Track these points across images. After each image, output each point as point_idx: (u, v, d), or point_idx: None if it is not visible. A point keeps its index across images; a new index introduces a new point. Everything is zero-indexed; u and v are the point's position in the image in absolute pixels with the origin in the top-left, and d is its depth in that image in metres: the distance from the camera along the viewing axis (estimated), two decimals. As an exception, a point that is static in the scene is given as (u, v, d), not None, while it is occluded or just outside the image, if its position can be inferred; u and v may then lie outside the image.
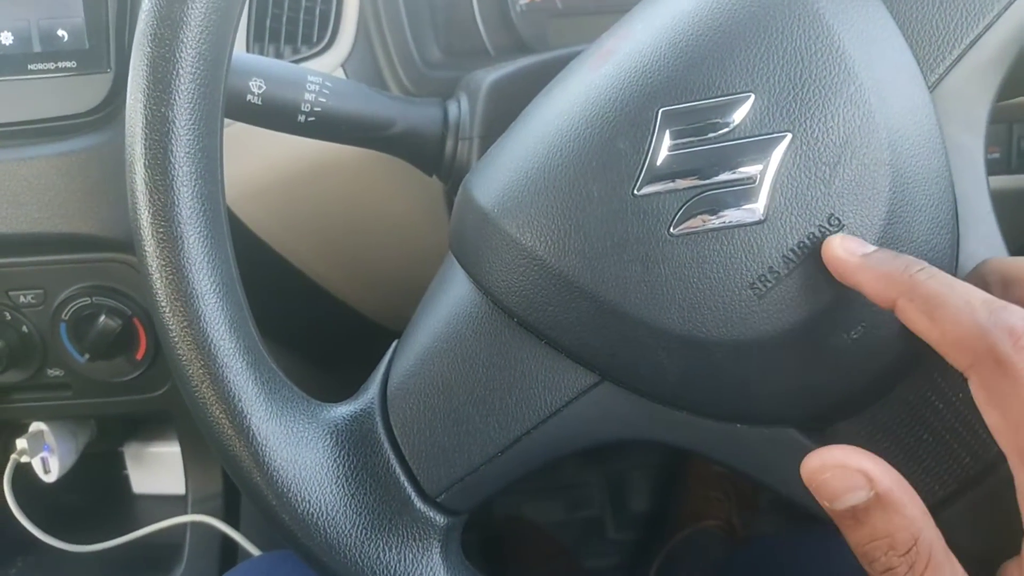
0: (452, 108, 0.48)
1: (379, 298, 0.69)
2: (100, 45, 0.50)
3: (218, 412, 0.31)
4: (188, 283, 0.30)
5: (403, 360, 0.35)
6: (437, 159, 0.48)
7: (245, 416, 0.31)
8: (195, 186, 0.30)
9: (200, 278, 0.30)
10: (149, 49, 0.30)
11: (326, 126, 0.44)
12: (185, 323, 0.30)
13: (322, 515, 0.31)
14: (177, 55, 0.30)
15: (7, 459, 0.69)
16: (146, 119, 0.30)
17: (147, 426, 0.79)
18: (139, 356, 0.59)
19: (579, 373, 0.32)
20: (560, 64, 0.39)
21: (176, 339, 0.30)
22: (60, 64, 0.50)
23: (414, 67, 0.57)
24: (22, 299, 0.58)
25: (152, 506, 0.78)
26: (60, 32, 0.50)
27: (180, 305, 0.30)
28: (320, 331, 0.75)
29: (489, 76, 0.47)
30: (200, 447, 0.70)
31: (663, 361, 0.31)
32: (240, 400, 0.31)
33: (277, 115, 0.42)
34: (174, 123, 0.30)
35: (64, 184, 0.52)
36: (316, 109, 0.43)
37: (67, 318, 0.58)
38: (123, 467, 0.80)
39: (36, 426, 0.68)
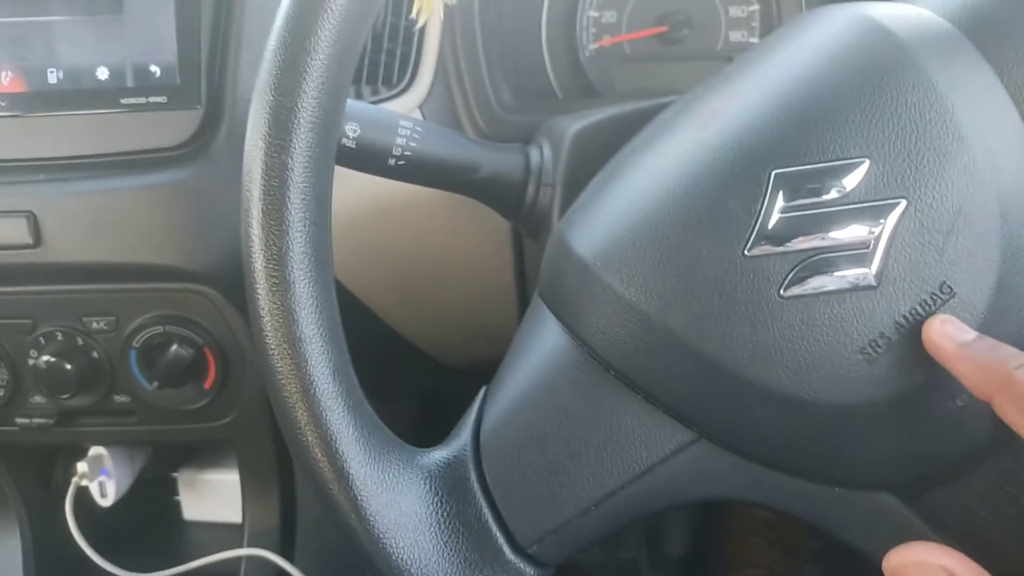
0: (534, 154, 0.48)
1: (439, 334, 0.70)
2: (192, 82, 0.52)
3: (319, 455, 0.31)
4: (297, 327, 0.31)
5: (496, 407, 0.35)
6: (518, 204, 0.48)
7: (345, 460, 0.31)
8: (308, 232, 0.31)
9: (308, 322, 0.31)
10: (271, 97, 0.31)
11: (415, 169, 0.45)
12: (292, 367, 0.31)
13: (415, 562, 0.31)
14: (299, 104, 0.30)
15: (66, 481, 0.69)
16: (265, 165, 0.31)
17: (202, 453, 0.79)
18: (207, 385, 0.60)
19: (676, 429, 0.32)
20: (644, 116, 0.39)
21: (283, 382, 0.31)
22: (151, 99, 0.52)
23: (491, 111, 0.58)
24: (94, 325, 0.58)
25: (204, 534, 0.78)
26: (153, 68, 0.52)
27: (288, 348, 0.31)
28: (378, 363, 0.75)
29: (573, 125, 0.47)
30: (261, 479, 0.70)
31: (765, 422, 0.31)
32: (340, 443, 0.31)
33: (369, 158, 0.43)
34: (292, 170, 0.30)
35: (147, 216, 0.53)
36: (407, 153, 0.44)
37: (138, 345, 0.58)
38: (175, 493, 0.80)
39: (96, 450, 0.69)
